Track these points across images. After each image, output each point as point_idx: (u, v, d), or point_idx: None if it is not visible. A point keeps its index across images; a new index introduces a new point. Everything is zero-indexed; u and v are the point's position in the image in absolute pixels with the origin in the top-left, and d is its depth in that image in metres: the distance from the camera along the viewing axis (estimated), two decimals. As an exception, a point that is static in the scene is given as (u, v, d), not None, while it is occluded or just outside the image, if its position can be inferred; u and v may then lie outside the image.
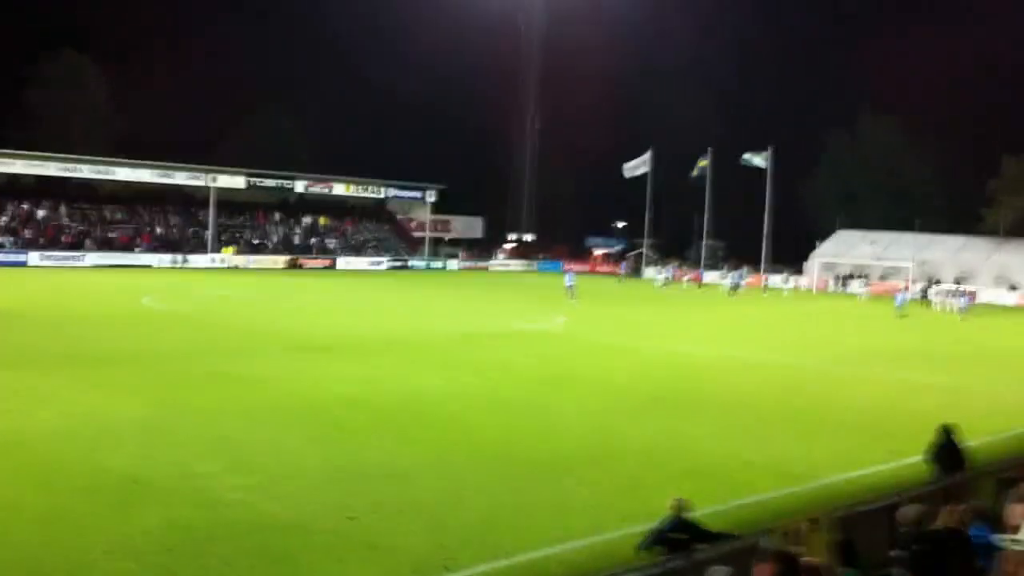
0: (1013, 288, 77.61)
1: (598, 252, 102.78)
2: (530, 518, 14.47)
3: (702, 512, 13.88)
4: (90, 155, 78.40)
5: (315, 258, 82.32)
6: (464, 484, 16.08)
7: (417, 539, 13.26)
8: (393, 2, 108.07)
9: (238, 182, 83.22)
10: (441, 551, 12.88)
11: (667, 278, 79.51)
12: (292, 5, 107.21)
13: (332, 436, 19.06)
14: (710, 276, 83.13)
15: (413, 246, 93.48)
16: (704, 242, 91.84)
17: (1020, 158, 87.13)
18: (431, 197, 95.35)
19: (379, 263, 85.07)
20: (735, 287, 72.06)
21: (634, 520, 13.58)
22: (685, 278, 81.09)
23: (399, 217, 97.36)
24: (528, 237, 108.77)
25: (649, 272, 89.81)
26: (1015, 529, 3.71)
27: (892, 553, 10.39)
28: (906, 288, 65.55)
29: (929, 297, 68.45)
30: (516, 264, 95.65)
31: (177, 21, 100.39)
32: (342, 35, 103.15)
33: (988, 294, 74.85)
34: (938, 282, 76.09)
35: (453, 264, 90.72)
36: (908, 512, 11.11)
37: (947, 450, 16.85)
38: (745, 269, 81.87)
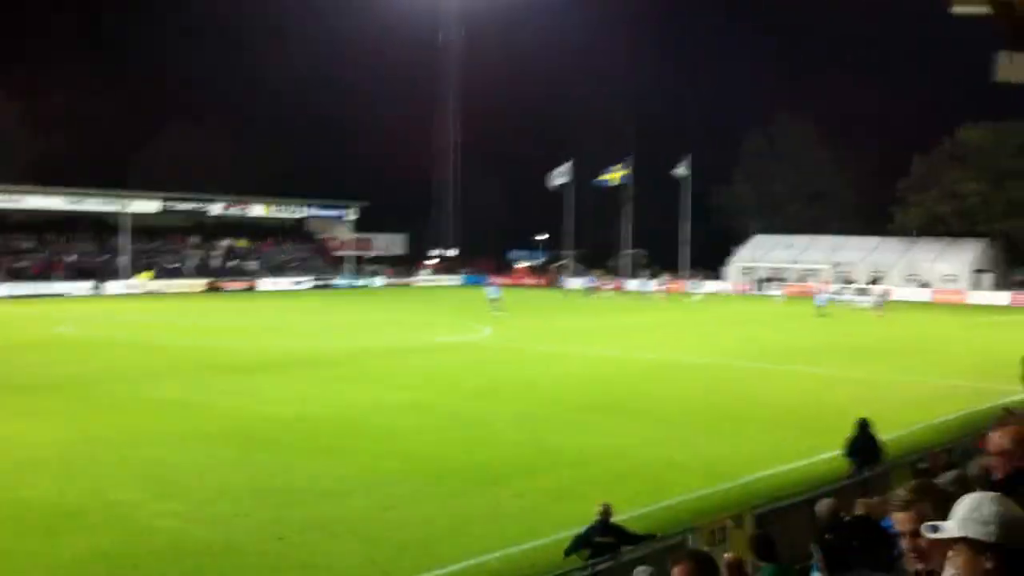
0: (924, 285, 79.56)
1: (521, 265, 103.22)
2: (463, 528, 14.62)
3: (631, 514, 14.19)
4: (-2, 183, 76.70)
5: (235, 280, 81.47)
6: (397, 498, 16.17)
7: (351, 556, 13.33)
8: (308, 19, 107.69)
9: (152, 206, 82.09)
10: (375, 566, 12.97)
11: (590, 288, 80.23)
12: (203, 22, 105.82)
13: (260, 457, 18.99)
14: (632, 284, 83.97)
15: (335, 265, 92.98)
16: (626, 251, 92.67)
17: (929, 157, 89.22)
18: (351, 215, 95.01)
19: (301, 283, 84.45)
20: (643, 293, 73.85)
21: (566, 526, 13.80)
22: (607, 287, 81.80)
23: (319, 236, 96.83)
24: (451, 252, 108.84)
25: (574, 282, 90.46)
26: (903, 536, 3.76)
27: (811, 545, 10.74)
28: (818, 290, 66.87)
29: (841, 297, 69.82)
30: (441, 279, 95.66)
31: (84, 41, 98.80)
32: (257, 53, 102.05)
33: (901, 292, 76.65)
34: (852, 282, 77.70)
35: (377, 281, 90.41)
36: (824, 505, 11.48)
37: (864, 443, 17.34)
38: (666, 276, 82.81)
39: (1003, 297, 74.88)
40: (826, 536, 9.88)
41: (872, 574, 4.95)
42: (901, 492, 3.90)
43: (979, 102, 73.07)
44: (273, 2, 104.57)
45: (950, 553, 3.16)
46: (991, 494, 3.20)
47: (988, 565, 3.02)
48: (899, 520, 3.77)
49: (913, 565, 3.65)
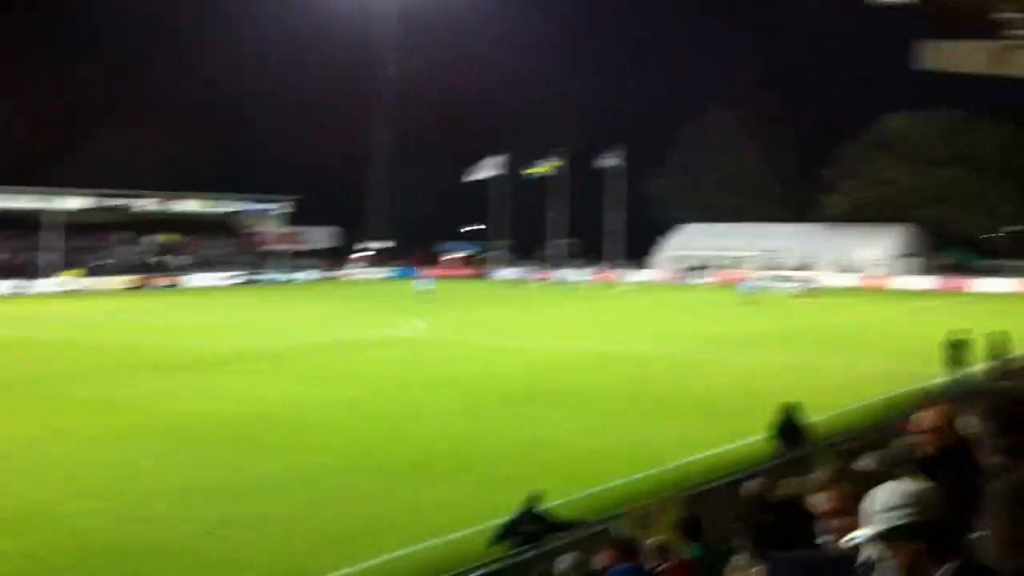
0: (851, 271, 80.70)
1: (453, 256, 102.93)
2: (387, 521, 14.54)
3: (559, 502, 14.16)
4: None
5: (163, 277, 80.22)
6: (322, 492, 16.04)
7: (273, 550, 13.22)
8: (240, 14, 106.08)
9: (80, 203, 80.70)
10: (296, 560, 12.83)
11: (523, 279, 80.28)
12: (133, 20, 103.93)
13: (186, 454, 18.73)
14: (563, 274, 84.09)
15: (265, 260, 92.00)
16: (556, 241, 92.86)
17: (855, 146, 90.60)
18: (281, 209, 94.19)
19: (230, 279, 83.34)
20: (573, 284, 74.02)
21: (490, 515, 13.76)
22: (538, 277, 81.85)
23: (249, 231, 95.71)
24: (384, 245, 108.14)
25: (505, 273, 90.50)
26: (824, 515, 3.85)
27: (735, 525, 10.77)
28: (745, 278, 67.50)
29: (767, 284, 70.53)
30: (373, 272, 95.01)
31: (11, 40, 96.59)
32: (187, 49, 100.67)
33: (828, 278, 77.67)
34: (779, 269, 78.59)
35: (307, 276, 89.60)
36: (750, 486, 11.52)
37: (789, 426, 17.53)
38: (596, 267, 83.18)
39: (928, 281, 76.24)
40: (753, 515, 9.90)
41: (796, 552, 4.96)
42: (819, 475, 4.01)
43: (903, 91, 74.37)
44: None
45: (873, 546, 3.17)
46: (890, 483, 3.23)
47: (917, 547, 3.05)
48: (817, 502, 3.87)
49: (831, 545, 3.73)
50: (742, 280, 64.65)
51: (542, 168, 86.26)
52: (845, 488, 3.74)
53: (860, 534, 3.18)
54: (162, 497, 15.70)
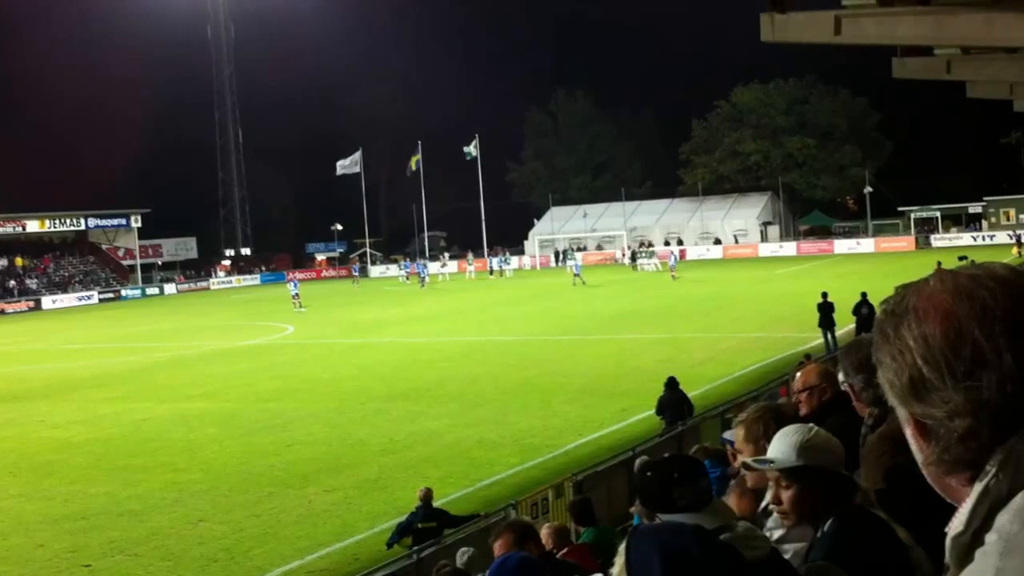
0: (717, 242, 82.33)
1: (321, 257, 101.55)
2: (275, 534, 13.96)
3: (451, 497, 13.86)
4: None
5: (16, 301, 76.94)
6: (202, 510, 15.33)
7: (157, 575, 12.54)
8: (72, 25, 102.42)
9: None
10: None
11: (410, 273, 78.96)
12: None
13: (50, 485, 17.68)
14: (436, 267, 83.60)
15: (124, 275, 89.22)
16: (423, 234, 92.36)
17: (706, 121, 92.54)
18: (136, 222, 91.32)
19: (88, 297, 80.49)
20: (445, 276, 73.80)
21: (382, 517, 13.36)
22: (407, 272, 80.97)
23: (104, 247, 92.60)
24: (246, 251, 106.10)
25: (376, 270, 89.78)
26: (739, 452, 3.99)
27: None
28: (574, 257, 68.14)
29: (637, 261, 71.46)
30: (237, 280, 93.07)
31: None
32: (19, 60, 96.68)
33: (695, 250, 79.04)
34: (650, 244, 79.68)
35: (170, 288, 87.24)
36: (642, 461, 11.44)
37: (673, 401, 17.58)
38: (474, 255, 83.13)
39: (790, 247, 78.23)
40: (646, 474, 9.79)
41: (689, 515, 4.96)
42: (745, 413, 4.17)
43: (751, 64, 75.98)
44: (36, 4, 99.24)
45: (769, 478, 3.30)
46: (792, 427, 3.35)
47: (809, 488, 3.14)
48: (737, 437, 4.08)
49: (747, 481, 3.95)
50: (577, 262, 63.99)
51: (412, 163, 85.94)
52: (770, 426, 3.78)
53: (760, 460, 3.29)
54: (25, 533, 14.76)
